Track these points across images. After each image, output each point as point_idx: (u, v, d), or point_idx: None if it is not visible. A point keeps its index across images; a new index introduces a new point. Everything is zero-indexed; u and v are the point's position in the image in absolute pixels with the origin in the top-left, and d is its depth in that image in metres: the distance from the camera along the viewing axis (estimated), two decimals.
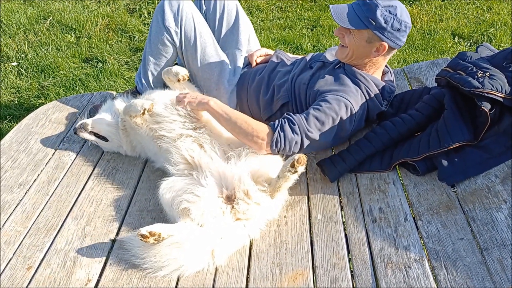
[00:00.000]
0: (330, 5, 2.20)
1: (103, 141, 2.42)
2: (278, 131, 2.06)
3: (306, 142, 2.10)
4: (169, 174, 2.10)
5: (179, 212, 1.91)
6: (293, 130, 2.07)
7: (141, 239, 1.79)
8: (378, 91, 2.27)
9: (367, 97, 2.23)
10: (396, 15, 2.10)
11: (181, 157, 2.10)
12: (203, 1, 2.68)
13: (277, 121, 2.11)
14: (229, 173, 1.99)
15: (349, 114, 2.15)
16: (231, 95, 2.52)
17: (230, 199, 1.96)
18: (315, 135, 2.10)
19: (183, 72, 2.38)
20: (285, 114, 2.14)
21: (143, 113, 2.20)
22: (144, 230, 1.79)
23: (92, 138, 2.40)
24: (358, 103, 2.19)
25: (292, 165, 1.87)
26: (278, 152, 2.09)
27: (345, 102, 2.14)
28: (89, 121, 2.40)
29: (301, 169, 1.90)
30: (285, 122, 2.09)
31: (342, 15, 2.14)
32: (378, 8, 2.08)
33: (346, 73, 2.26)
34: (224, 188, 1.98)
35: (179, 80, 2.38)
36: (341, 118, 2.13)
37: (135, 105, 2.22)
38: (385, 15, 2.09)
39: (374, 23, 2.10)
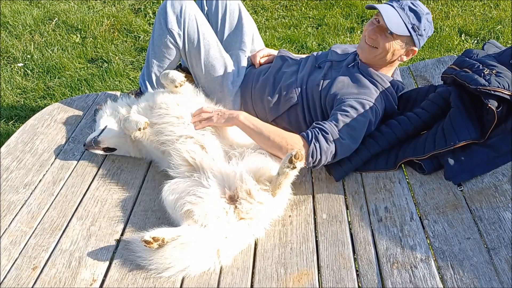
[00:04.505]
0: (379, 6, 2.12)
1: (111, 152, 2.41)
2: (314, 143, 2.01)
3: (340, 150, 2.06)
4: (171, 176, 2.10)
5: (182, 214, 1.91)
6: (327, 140, 2.03)
7: (145, 245, 1.79)
8: (394, 91, 2.27)
9: (385, 98, 2.23)
10: (431, 23, 2.17)
11: (182, 159, 2.09)
12: (204, 2, 2.66)
13: (309, 132, 2.05)
14: (231, 173, 1.98)
15: (374, 116, 2.15)
16: (235, 96, 2.50)
17: (233, 199, 1.95)
18: (348, 141, 2.06)
19: (179, 79, 2.29)
20: (314, 124, 2.09)
21: (139, 130, 2.21)
22: (148, 236, 1.78)
23: (102, 152, 2.38)
24: (379, 104, 2.18)
25: (290, 161, 1.83)
26: (313, 163, 2.05)
27: (370, 105, 2.13)
28: (100, 138, 2.33)
29: (299, 164, 1.85)
30: (318, 133, 2.04)
31: (392, 20, 2.10)
32: (423, 16, 2.12)
33: (362, 73, 2.25)
34: (226, 188, 1.97)
35: (176, 87, 2.31)
36: (370, 121, 2.13)
37: (130, 122, 2.22)
38: (425, 23, 2.13)
39: (418, 30, 2.13)
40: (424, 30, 2.14)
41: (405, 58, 2.25)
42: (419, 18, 2.11)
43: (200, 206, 1.90)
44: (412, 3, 2.14)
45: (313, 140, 2.02)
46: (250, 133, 2.12)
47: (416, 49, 2.20)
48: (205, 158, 2.06)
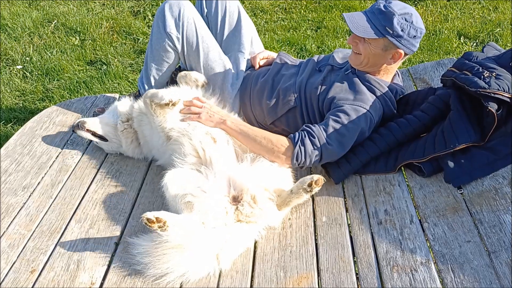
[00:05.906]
0: (345, 14, 2.15)
1: (102, 141, 2.42)
2: (299, 145, 2.04)
3: (326, 155, 2.07)
4: (175, 167, 2.07)
5: (183, 205, 1.89)
6: (313, 144, 2.04)
7: (146, 223, 1.75)
8: (392, 96, 2.26)
9: (383, 104, 2.22)
10: (412, 22, 2.08)
11: (192, 149, 2.07)
12: (204, 4, 2.65)
13: (297, 134, 2.08)
14: (240, 174, 1.98)
15: (368, 123, 2.14)
16: (235, 99, 2.50)
17: (236, 200, 1.94)
18: (335, 147, 2.07)
19: (201, 78, 2.35)
20: (303, 126, 2.11)
21: (167, 105, 2.13)
22: (151, 215, 1.75)
23: (90, 137, 2.40)
24: (376, 111, 2.17)
25: (310, 185, 1.88)
26: (298, 165, 2.08)
27: (364, 113, 2.12)
28: (86, 119, 2.41)
29: (316, 189, 1.90)
30: (305, 136, 2.06)
31: (358, 24, 2.10)
32: (395, 17, 2.05)
33: (360, 79, 2.24)
34: (232, 188, 1.97)
35: (197, 86, 2.32)
36: (362, 129, 2.12)
37: (162, 95, 2.13)
38: (401, 23, 2.07)
39: (391, 32, 2.07)
40: (402, 30, 2.06)
41: (392, 62, 2.19)
42: (388, 19, 2.05)
43: (202, 201, 1.89)
44: (384, 5, 2.08)
45: (299, 143, 2.05)
46: (237, 137, 2.16)
47: (401, 51, 2.13)
48: (215, 153, 2.06)
